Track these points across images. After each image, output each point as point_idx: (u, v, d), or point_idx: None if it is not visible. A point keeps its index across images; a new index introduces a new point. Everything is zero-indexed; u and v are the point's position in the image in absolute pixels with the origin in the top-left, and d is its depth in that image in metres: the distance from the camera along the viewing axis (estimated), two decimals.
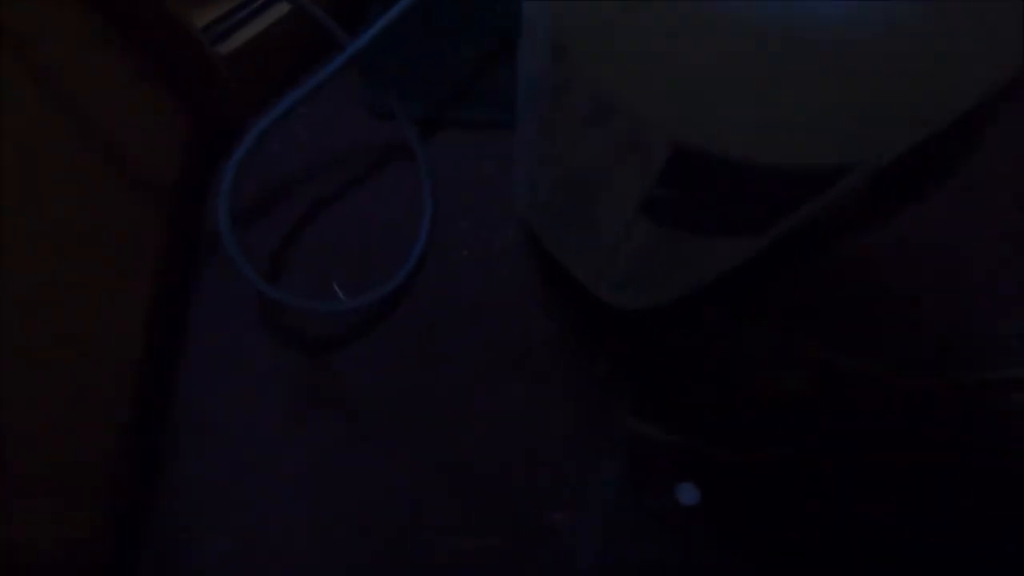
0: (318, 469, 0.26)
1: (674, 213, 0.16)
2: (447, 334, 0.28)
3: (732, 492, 0.25)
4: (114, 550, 0.23)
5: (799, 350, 0.27)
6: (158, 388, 0.26)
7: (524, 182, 0.24)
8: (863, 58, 0.10)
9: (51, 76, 0.21)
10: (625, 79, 0.13)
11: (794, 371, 0.26)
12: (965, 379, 0.26)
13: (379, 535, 0.25)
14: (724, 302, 0.27)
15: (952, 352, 0.27)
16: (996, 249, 0.29)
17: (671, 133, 0.13)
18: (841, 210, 0.25)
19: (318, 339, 0.28)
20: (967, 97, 0.12)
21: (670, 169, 0.14)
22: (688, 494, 0.25)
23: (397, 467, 0.26)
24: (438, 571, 0.24)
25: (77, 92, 0.22)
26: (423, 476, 0.25)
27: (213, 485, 0.25)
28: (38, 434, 0.20)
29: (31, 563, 0.19)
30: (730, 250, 0.18)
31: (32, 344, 0.19)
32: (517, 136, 0.23)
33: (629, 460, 0.25)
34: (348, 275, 0.28)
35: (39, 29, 0.21)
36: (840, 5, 0.10)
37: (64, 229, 0.21)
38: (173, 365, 0.27)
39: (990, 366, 0.27)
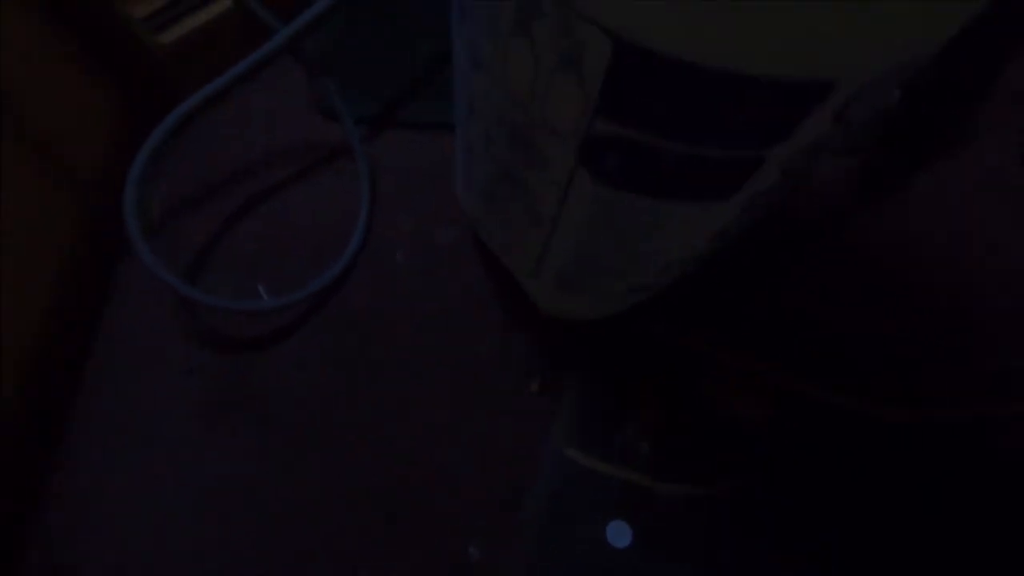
0: (225, 483, 0.24)
1: (617, 164, 0.13)
2: (376, 342, 0.26)
3: (670, 532, 0.22)
4: None
5: (757, 373, 0.24)
6: (56, 387, 0.24)
7: (461, 164, 0.22)
8: None
9: None
10: None
11: (750, 396, 0.23)
12: (944, 413, 0.23)
13: (282, 561, 0.22)
14: (671, 318, 0.25)
15: (929, 384, 0.24)
16: (977, 269, 0.26)
17: (610, 21, 0.10)
18: (803, 207, 0.23)
19: (238, 342, 0.26)
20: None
21: (611, 83, 0.11)
22: (619, 534, 0.22)
23: (309, 485, 0.23)
24: None
25: (3, 73, 0.21)
26: (337, 498, 0.23)
27: (107, 496, 0.23)
28: None
29: None
30: (684, 226, 0.15)
31: None
32: (455, 113, 0.21)
33: (558, 491, 0.23)
34: (278, 275, 0.27)
35: None
36: None
37: None
38: (78, 363, 0.25)
39: (969, 400, 0.24)
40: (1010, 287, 0.26)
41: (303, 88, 0.31)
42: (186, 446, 0.24)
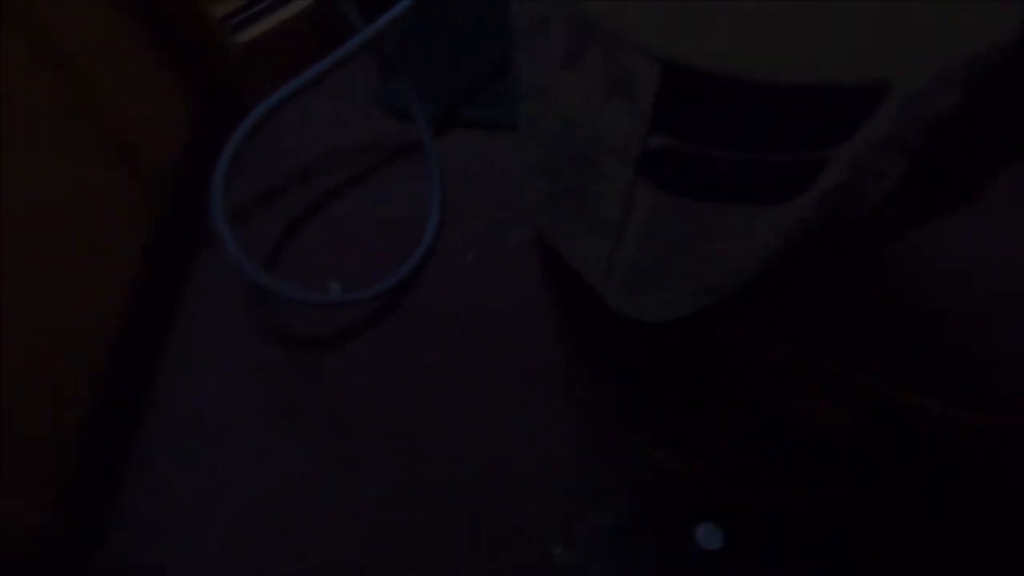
0: (290, 482, 0.23)
1: (675, 171, 0.13)
2: (447, 343, 0.25)
3: (761, 536, 0.21)
4: (65, 547, 0.21)
5: (839, 377, 0.23)
6: (131, 379, 0.24)
7: (525, 174, 0.22)
8: None
9: (61, 45, 0.20)
10: None
11: (834, 401, 0.23)
12: None
13: (353, 565, 0.22)
14: (748, 321, 0.25)
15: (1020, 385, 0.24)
16: None
17: (659, 48, 0.10)
18: (868, 213, 0.23)
19: (309, 339, 0.26)
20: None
21: (662, 103, 0.11)
22: (710, 537, 0.21)
23: (381, 487, 0.23)
24: None
25: (86, 65, 0.21)
26: (411, 501, 0.23)
27: (177, 494, 0.23)
28: None
29: None
30: (752, 228, 0.15)
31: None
32: (520, 125, 0.21)
33: (644, 494, 0.22)
34: (349, 273, 0.27)
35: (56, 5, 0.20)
36: None
37: (53, 197, 0.20)
38: (152, 358, 0.25)
39: None
40: None
41: (364, 91, 0.31)
42: (255, 445, 0.24)
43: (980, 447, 0.22)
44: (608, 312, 0.25)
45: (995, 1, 0.09)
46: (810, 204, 0.14)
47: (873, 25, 0.09)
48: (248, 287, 0.26)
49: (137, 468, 0.23)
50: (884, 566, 0.21)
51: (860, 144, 0.12)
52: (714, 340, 0.25)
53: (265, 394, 0.25)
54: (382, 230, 0.28)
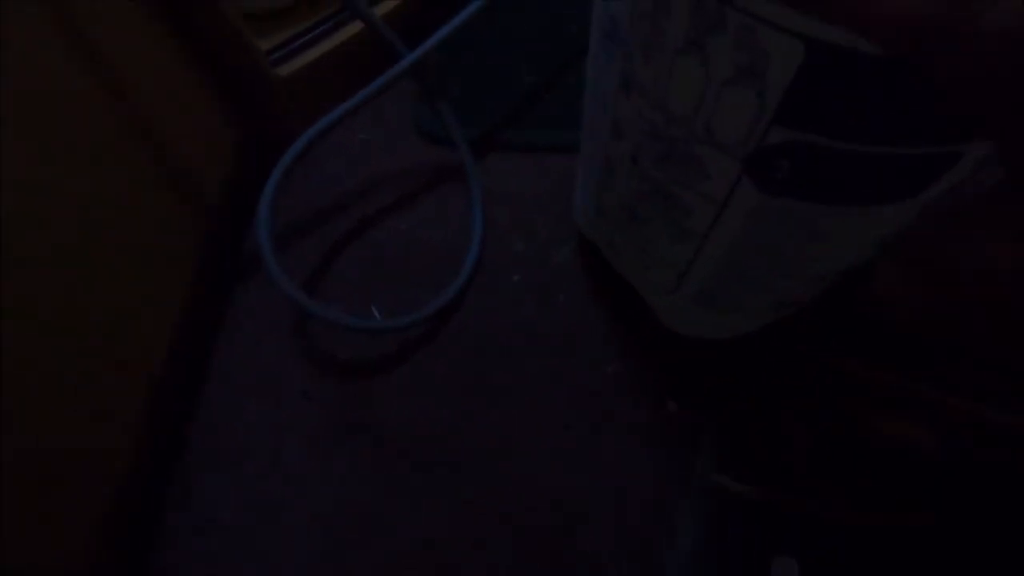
0: (343, 511, 0.22)
1: (790, 172, 0.13)
2: (496, 365, 0.25)
3: (843, 568, 0.20)
4: None
5: (917, 390, 0.22)
6: (177, 407, 0.24)
7: (589, 186, 0.21)
8: None
9: (117, 75, 0.21)
10: None
11: (912, 415, 0.22)
12: None
13: None
14: (811, 336, 0.23)
15: None
16: None
17: (803, 26, 0.10)
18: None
19: (354, 364, 0.25)
20: None
21: (796, 88, 0.11)
22: (787, 571, 0.20)
23: (431, 517, 0.22)
24: None
25: (142, 96, 0.22)
26: (460, 530, 0.22)
27: (222, 525, 0.22)
28: (36, 446, 0.17)
29: None
30: (854, 232, 0.14)
31: (43, 341, 0.18)
32: (583, 135, 0.21)
33: (710, 524, 0.21)
34: (392, 297, 0.26)
35: (114, 36, 0.21)
36: None
37: (104, 223, 0.20)
38: (196, 384, 0.24)
39: None
40: None
41: (400, 118, 0.31)
42: (302, 472, 0.23)
43: None
44: (663, 329, 0.24)
45: None
46: (920, 206, 0.13)
47: None
48: (291, 314, 0.26)
49: (180, 500, 0.23)
50: None
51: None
52: (787, 355, 0.23)
53: (311, 420, 0.24)
54: (424, 253, 0.27)
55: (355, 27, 0.29)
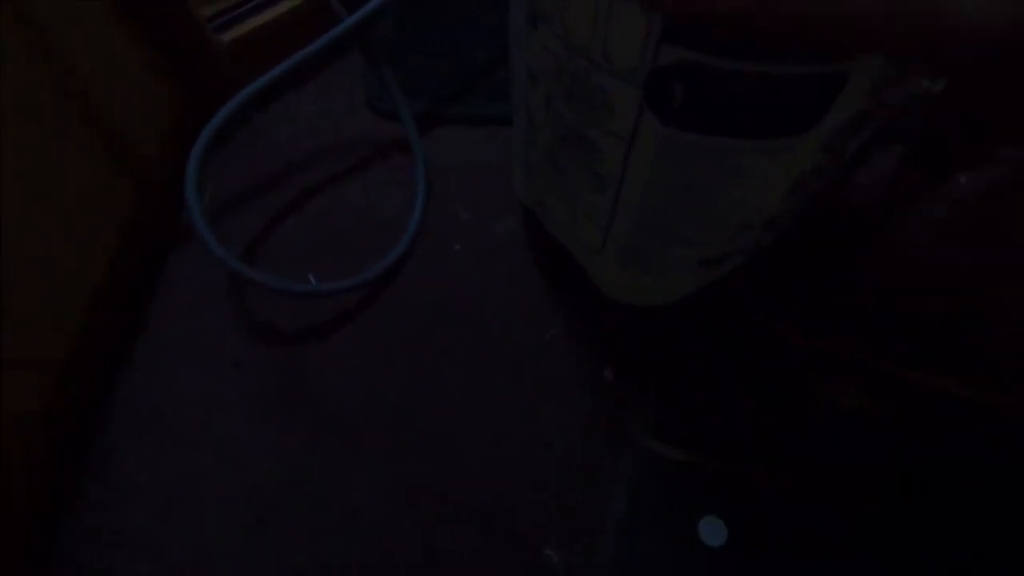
0: (272, 480, 0.22)
1: (686, 98, 0.12)
2: (434, 333, 0.24)
3: (770, 530, 0.19)
4: (19, 556, 0.19)
5: (855, 358, 0.22)
6: (101, 368, 0.23)
7: (520, 146, 0.21)
8: None
9: (53, 40, 0.20)
10: None
11: (842, 380, 0.22)
12: None
13: (332, 565, 0.20)
14: (746, 302, 0.23)
15: None
16: None
17: None
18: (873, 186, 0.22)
19: (292, 332, 0.25)
20: None
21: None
22: (713, 532, 0.19)
23: (368, 487, 0.21)
24: None
25: (77, 57, 0.21)
26: (395, 499, 0.21)
27: (148, 491, 0.22)
28: None
29: None
30: (760, 173, 0.14)
31: None
32: (512, 95, 0.21)
33: (642, 488, 0.21)
34: (332, 267, 0.26)
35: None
36: None
37: (33, 177, 0.19)
38: (122, 354, 0.24)
39: None
40: None
41: (351, 91, 0.31)
42: (234, 441, 0.22)
43: (993, 430, 0.21)
44: (603, 298, 0.24)
45: None
46: (819, 146, 0.13)
47: None
48: (227, 281, 0.25)
49: (100, 468, 0.22)
50: (892, 560, 0.19)
51: (879, 65, 0.11)
52: (722, 321, 0.23)
53: (246, 388, 0.23)
54: (367, 224, 0.27)
55: None
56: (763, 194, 0.15)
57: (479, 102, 0.30)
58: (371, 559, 0.20)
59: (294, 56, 0.24)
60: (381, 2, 0.24)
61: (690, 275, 0.20)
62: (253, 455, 0.22)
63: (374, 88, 0.30)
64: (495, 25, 0.32)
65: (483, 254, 0.26)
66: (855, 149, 0.15)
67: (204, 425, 0.23)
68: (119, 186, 0.24)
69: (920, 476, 0.20)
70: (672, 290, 0.22)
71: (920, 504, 0.20)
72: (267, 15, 0.28)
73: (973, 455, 0.20)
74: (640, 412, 0.22)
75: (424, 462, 0.22)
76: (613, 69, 0.13)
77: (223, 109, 0.22)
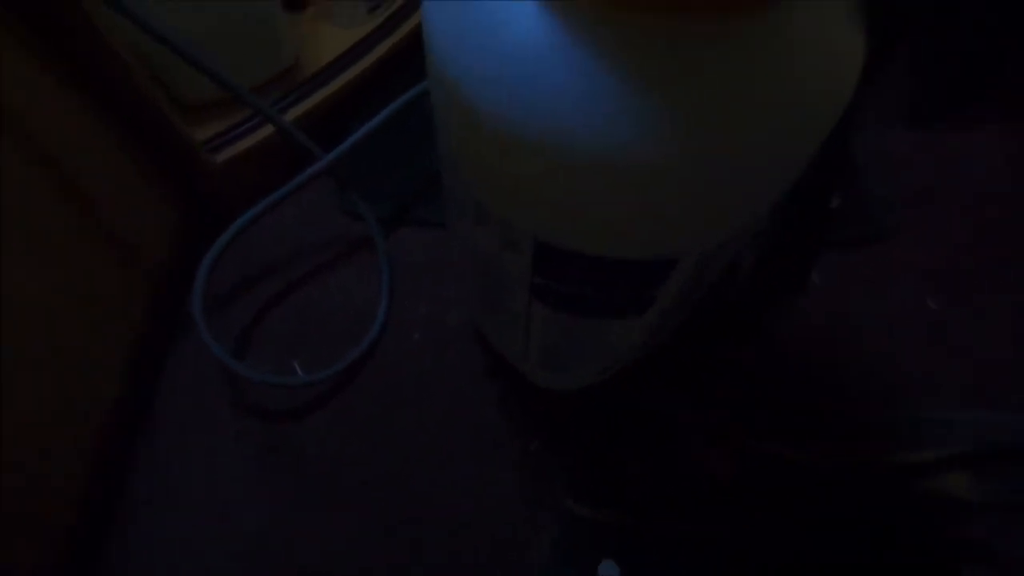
0: (266, 530, 0.27)
1: (558, 297, 0.19)
2: (397, 411, 0.30)
3: (656, 570, 0.26)
4: None
5: (721, 430, 0.28)
6: (120, 453, 0.28)
7: (460, 272, 0.27)
8: (665, 179, 0.14)
9: (58, 161, 0.25)
10: (498, 194, 0.16)
11: (717, 451, 0.28)
12: (886, 461, 0.27)
13: None
14: (650, 386, 0.30)
15: (877, 434, 0.29)
16: (917, 333, 0.32)
17: (530, 229, 0.16)
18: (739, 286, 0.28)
19: (280, 412, 0.30)
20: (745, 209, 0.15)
21: (539, 261, 0.17)
22: (609, 572, 0.25)
23: (344, 530, 0.27)
24: None
25: (83, 179, 0.26)
26: (370, 540, 0.27)
27: (166, 551, 0.26)
28: None
29: None
30: (622, 330, 0.21)
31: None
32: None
33: (558, 538, 0.27)
34: (312, 354, 0.31)
35: (55, 124, 0.25)
36: (648, 149, 0.13)
37: (49, 293, 0.24)
38: (137, 435, 0.29)
39: (910, 448, 0.28)
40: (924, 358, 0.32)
41: (329, 196, 0.36)
42: (233, 500, 0.28)
43: (834, 483, 0.27)
44: (530, 383, 0.30)
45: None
46: (657, 315, 0.20)
47: (664, 219, 0.15)
48: (224, 371, 0.30)
49: (122, 534, 0.27)
50: None
51: (673, 285, 0.17)
52: (626, 402, 0.29)
53: (242, 457, 0.29)
54: (341, 315, 0.32)
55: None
56: (623, 343, 0.22)
57: (435, 207, 0.36)
58: None
59: (277, 191, 0.29)
60: (356, 140, 0.30)
61: (592, 377, 0.26)
62: (249, 510, 0.28)
63: (345, 197, 0.36)
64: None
65: (437, 344, 0.32)
66: (699, 296, 0.21)
67: (209, 488, 0.28)
68: (131, 290, 0.29)
69: (772, 533, 0.26)
70: (584, 382, 0.28)
71: (772, 554, 0.26)
72: (254, 138, 0.34)
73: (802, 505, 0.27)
74: (558, 476, 0.28)
75: (391, 512, 0.28)
76: (509, 279, 0.19)
77: (220, 239, 0.28)
